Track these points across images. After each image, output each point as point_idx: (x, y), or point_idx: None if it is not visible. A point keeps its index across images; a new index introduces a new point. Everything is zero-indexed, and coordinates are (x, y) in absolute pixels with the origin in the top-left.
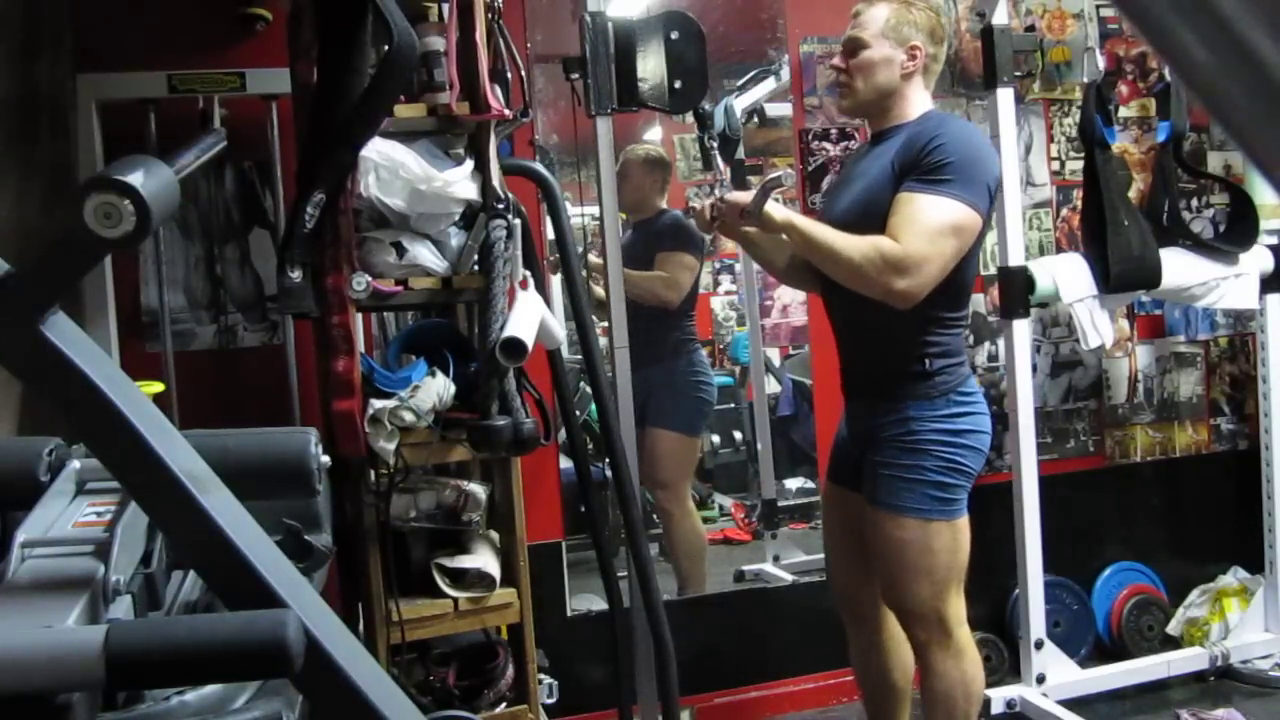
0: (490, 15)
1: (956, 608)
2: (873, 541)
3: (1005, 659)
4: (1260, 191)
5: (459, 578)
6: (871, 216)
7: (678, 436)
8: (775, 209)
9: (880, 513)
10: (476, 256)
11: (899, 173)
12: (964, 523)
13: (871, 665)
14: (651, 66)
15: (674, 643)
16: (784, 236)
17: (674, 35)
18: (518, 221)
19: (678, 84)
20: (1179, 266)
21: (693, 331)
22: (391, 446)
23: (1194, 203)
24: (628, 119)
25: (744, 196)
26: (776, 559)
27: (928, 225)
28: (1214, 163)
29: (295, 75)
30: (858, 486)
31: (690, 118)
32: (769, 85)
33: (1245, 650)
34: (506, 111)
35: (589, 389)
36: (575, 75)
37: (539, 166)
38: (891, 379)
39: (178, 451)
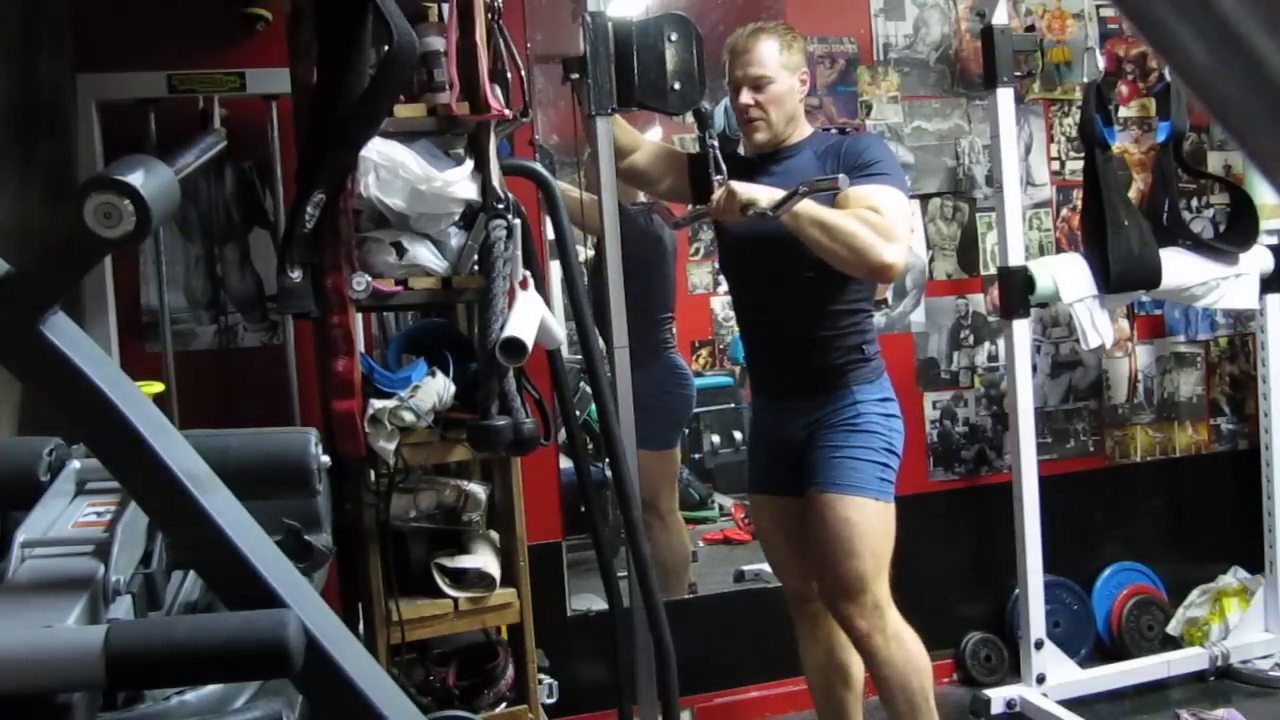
0: (490, 15)
1: (887, 590)
2: (817, 528)
3: (1005, 659)
4: (1260, 191)
5: (459, 578)
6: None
7: (649, 454)
8: (764, 196)
9: (830, 495)
10: (476, 256)
11: (823, 169)
12: (894, 508)
13: (832, 660)
14: (650, 67)
15: (674, 643)
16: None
17: (673, 37)
18: (518, 221)
19: (676, 85)
20: (1179, 266)
21: (671, 332)
22: (391, 446)
23: (1194, 203)
24: (629, 117)
25: (754, 191)
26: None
27: (890, 207)
28: (1214, 163)
29: (295, 75)
30: (791, 489)
31: (690, 118)
32: None
33: (1245, 650)
34: (506, 111)
35: (589, 389)
36: (575, 75)
37: (539, 166)
38: (839, 369)
39: (178, 451)
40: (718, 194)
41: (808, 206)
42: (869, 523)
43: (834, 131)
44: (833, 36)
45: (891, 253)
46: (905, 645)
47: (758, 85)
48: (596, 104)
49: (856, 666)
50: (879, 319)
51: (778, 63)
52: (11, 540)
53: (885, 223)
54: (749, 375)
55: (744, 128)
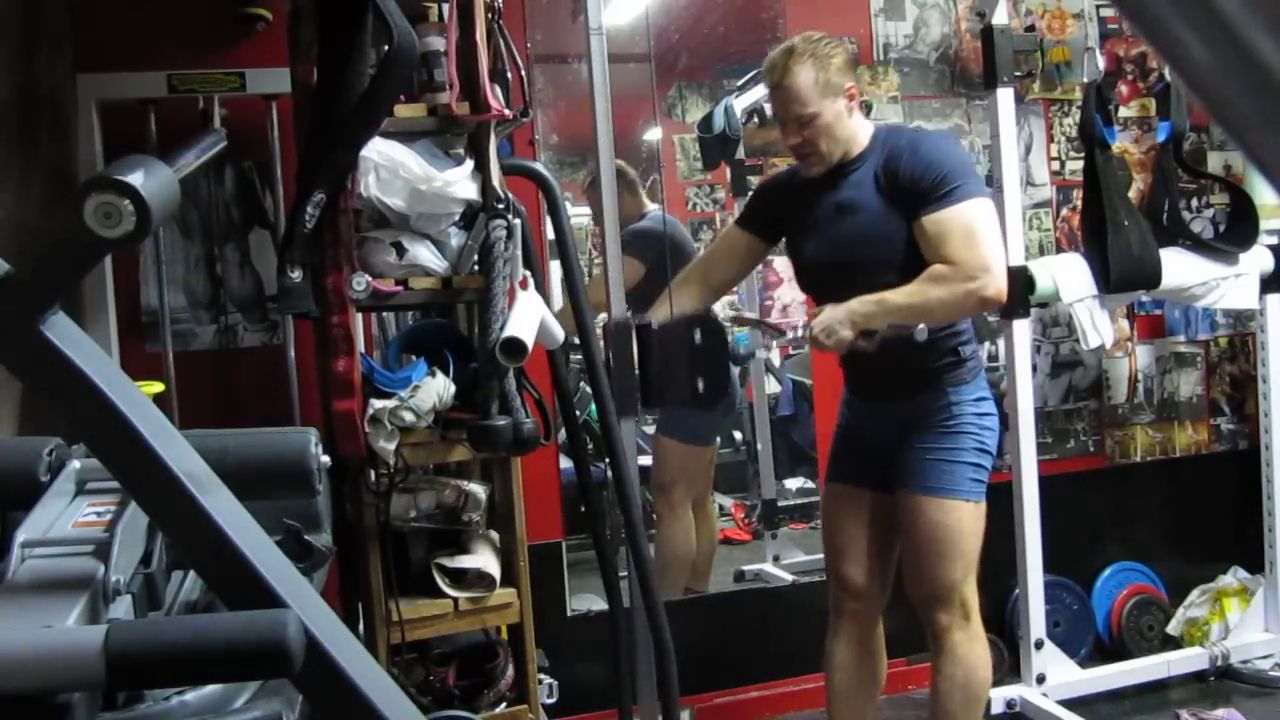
0: (490, 15)
1: (974, 591)
2: (909, 529)
3: (1005, 659)
4: (1260, 191)
5: (459, 578)
6: (881, 245)
7: (676, 444)
8: (861, 312)
9: (921, 498)
10: (476, 256)
11: (895, 198)
12: (984, 505)
13: (864, 664)
14: (676, 368)
15: (674, 643)
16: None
17: (697, 337)
18: (518, 221)
19: (700, 382)
20: (1179, 266)
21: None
22: (391, 446)
23: (1194, 203)
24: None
25: (838, 325)
26: (776, 559)
27: (976, 232)
28: (1214, 163)
29: (295, 75)
30: (876, 484)
31: (689, 118)
32: None
33: (1245, 650)
34: (506, 111)
35: (589, 389)
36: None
37: (539, 166)
38: (935, 371)
39: (178, 451)
40: (811, 337)
41: (892, 304)
42: (960, 525)
43: (898, 127)
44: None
45: (991, 285)
46: (978, 651)
47: (802, 122)
48: (620, 409)
49: (883, 674)
50: None
51: (818, 93)
52: (11, 540)
53: (972, 257)
54: (845, 374)
55: (799, 161)
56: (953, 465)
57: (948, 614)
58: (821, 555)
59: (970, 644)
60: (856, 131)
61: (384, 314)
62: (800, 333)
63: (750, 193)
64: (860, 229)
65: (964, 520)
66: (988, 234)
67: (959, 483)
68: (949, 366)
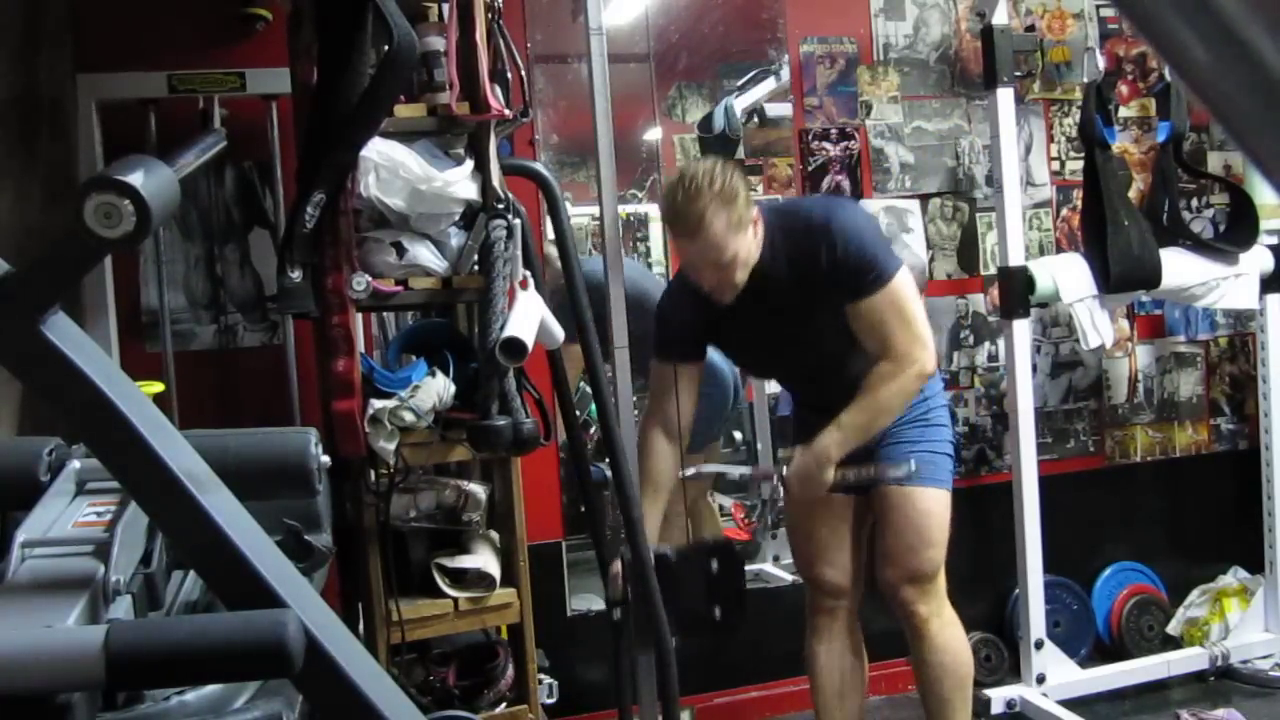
0: (490, 15)
1: (944, 578)
2: (894, 521)
3: (1005, 659)
4: (1260, 191)
5: (459, 578)
6: (818, 328)
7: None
8: (835, 447)
9: (908, 489)
10: (476, 256)
11: (818, 286)
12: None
13: (847, 662)
14: (693, 595)
15: (674, 643)
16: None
17: (714, 565)
18: (518, 221)
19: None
20: (1179, 266)
21: None
22: (391, 446)
23: (1194, 203)
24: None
25: (814, 474)
26: (776, 559)
27: (905, 311)
28: (1214, 163)
29: (295, 75)
30: (849, 486)
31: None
32: (769, 85)
33: (1245, 650)
34: (506, 111)
35: (589, 389)
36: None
37: (539, 166)
38: None
39: (178, 451)
40: (789, 496)
41: (856, 424)
42: (945, 514)
43: (783, 210)
44: (833, 36)
45: (929, 360)
46: (958, 634)
47: (719, 265)
48: (642, 644)
49: (865, 670)
50: None
51: (732, 235)
52: (11, 540)
53: (906, 339)
54: (798, 395)
55: (712, 293)
56: (932, 455)
57: (926, 603)
58: None
59: (949, 629)
60: (757, 242)
61: (384, 314)
62: (776, 486)
63: (656, 323)
64: (793, 324)
65: (946, 509)
66: (913, 309)
67: (940, 473)
68: None
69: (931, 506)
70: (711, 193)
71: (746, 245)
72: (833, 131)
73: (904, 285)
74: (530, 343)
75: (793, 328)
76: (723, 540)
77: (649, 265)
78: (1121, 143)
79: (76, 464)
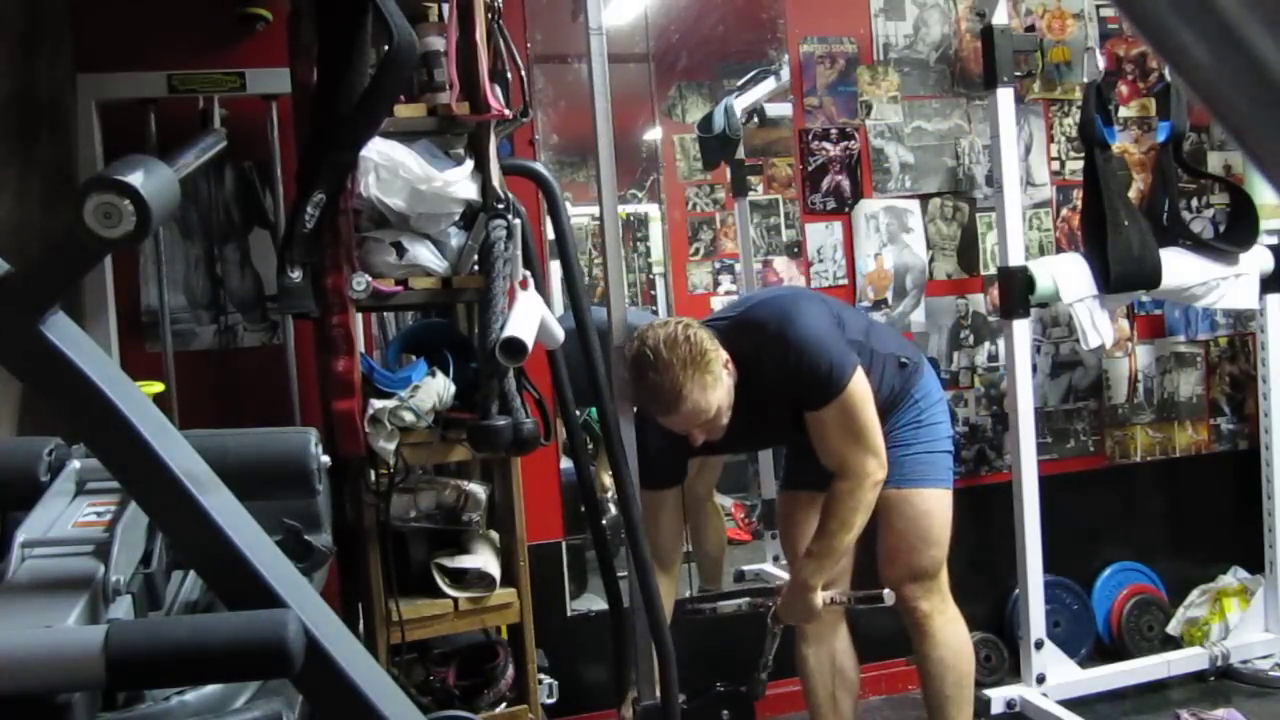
0: (490, 15)
1: (947, 574)
2: (896, 521)
3: (1005, 659)
4: (1260, 191)
5: (459, 578)
6: (787, 420)
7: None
8: (812, 577)
9: (910, 491)
10: (476, 256)
11: (780, 392)
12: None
13: (836, 663)
14: None
15: (674, 643)
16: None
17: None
18: (518, 221)
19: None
20: (1179, 266)
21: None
22: (391, 446)
23: (1194, 203)
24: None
25: (802, 609)
26: (776, 559)
27: (855, 421)
28: (1214, 163)
29: (295, 75)
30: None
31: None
32: (769, 85)
33: (1245, 650)
34: (506, 111)
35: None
36: None
37: (539, 166)
38: (891, 395)
39: (178, 451)
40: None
41: (828, 550)
42: (946, 512)
43: (727, 319)
44: (833, 36)
45: (879, 468)
46: (960, 630)
47: (708, 424)
48: None
49: (855, 670)
50: (879, 317)
51: (713, 396)
52: (11, 540)
53: (856, 450)
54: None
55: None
56: (932, 455)
57: (928, 600)
58: None
59: (951, 625)
60: (734, 375)
61: (384, 314)
62: (771, 619)
63: (638, 452)
64: (774, 424)
65: (948, 508)
66: (863, 420)
67: (940, 472)
68: (904, 379)
69: (931, 506)
70: (682, 362)
71: (726, 391)
72: (833, 131)
73: (854, 395)
74: (530, 343)
75: (766, 424)
76: (733, 690)
77: (649, 265)
78: (1121, 143)
79: (76, 464)
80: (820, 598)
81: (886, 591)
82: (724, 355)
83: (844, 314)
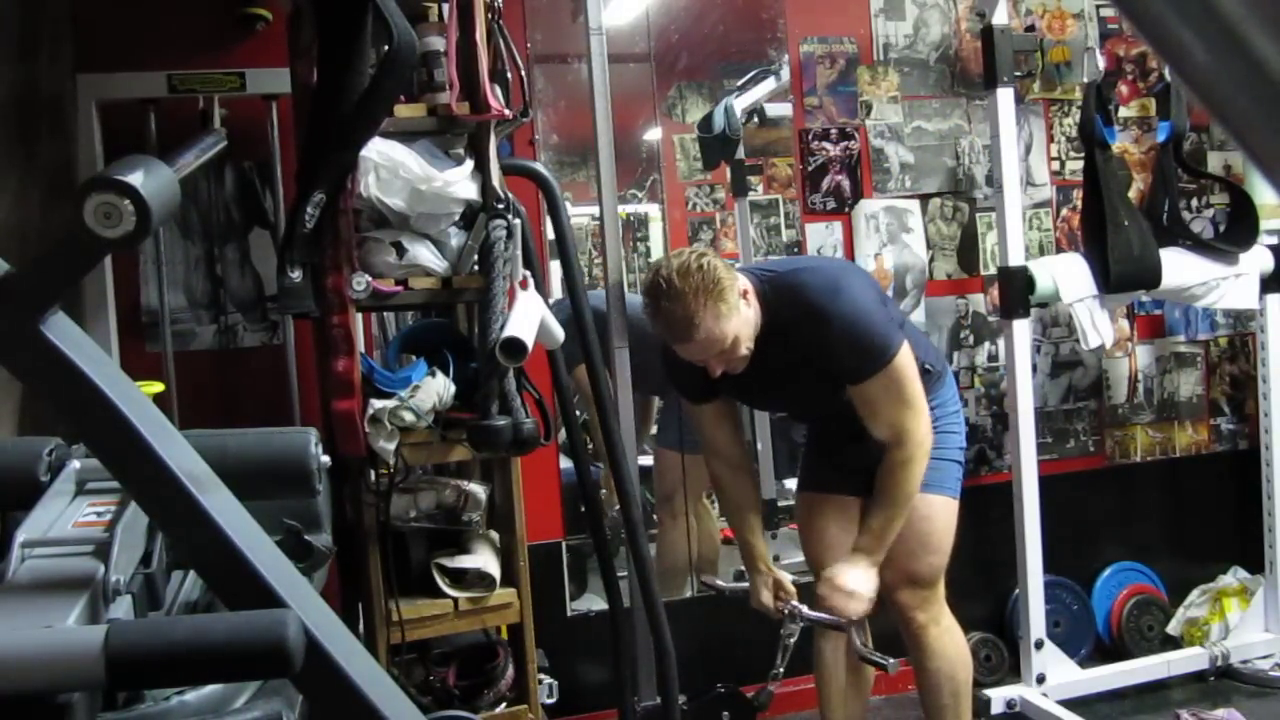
0: (490, 15)
1: (943, 585)
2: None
3: (1005, 659)
4: (1260, 191)
5: (459, 578)
6: (826, 388)
7: (677, 455)
8: (876, 559)
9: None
10: (476, 256)
11: (819, 365)
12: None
13: (854, 663)
14: None
15: (674, 643)
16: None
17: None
18: (518, 221)
19: None
20: (1179, 266)
21: None
22: (391, 446)
23: (1194, 203)
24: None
25: (856, 600)
26: (776, 559)
27: (903, 391)
28: (1214, 163)
29: (295, 75)
30: (854, 490)
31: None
32: (769, 85)
33: (1245, 650)
34: (506, 111)
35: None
36: None
37: (539, 166)
38: None
39: (178, 451)
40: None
41: (885, 529)
42: (949, 521)
43: (770, 274)
44: (833, 36)
45: (927, 434)
46: (956, 640)
47: (724, 352)
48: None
49: (871, 671)
50: None
51: (729, 323)
52: (11, 540)
53: (905, 418)
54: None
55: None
56: (939, 463)
57: (924, 610)
58: None
59: (948, 636)
60: (756, 315)
61: (384, 314)
62: (787, 616)
63: (666, 372)
64: (801, 387)
65: (951, 516)
66: (912, 389)
67: (947, 480)
68: (926, 381)
69: (935, 512)
70: (695, 290)
71: (744, 322)
72: (833, 131)
73: (902, 365)
74: (530, 343)
75: (796, 388)
76: (735, 691)
77: (649, 265)
78: (1121, 143)
79: (76, 464)
80: (870, 590)
81: (892, 662)
82: (742, 284)
83: (886, 298)
